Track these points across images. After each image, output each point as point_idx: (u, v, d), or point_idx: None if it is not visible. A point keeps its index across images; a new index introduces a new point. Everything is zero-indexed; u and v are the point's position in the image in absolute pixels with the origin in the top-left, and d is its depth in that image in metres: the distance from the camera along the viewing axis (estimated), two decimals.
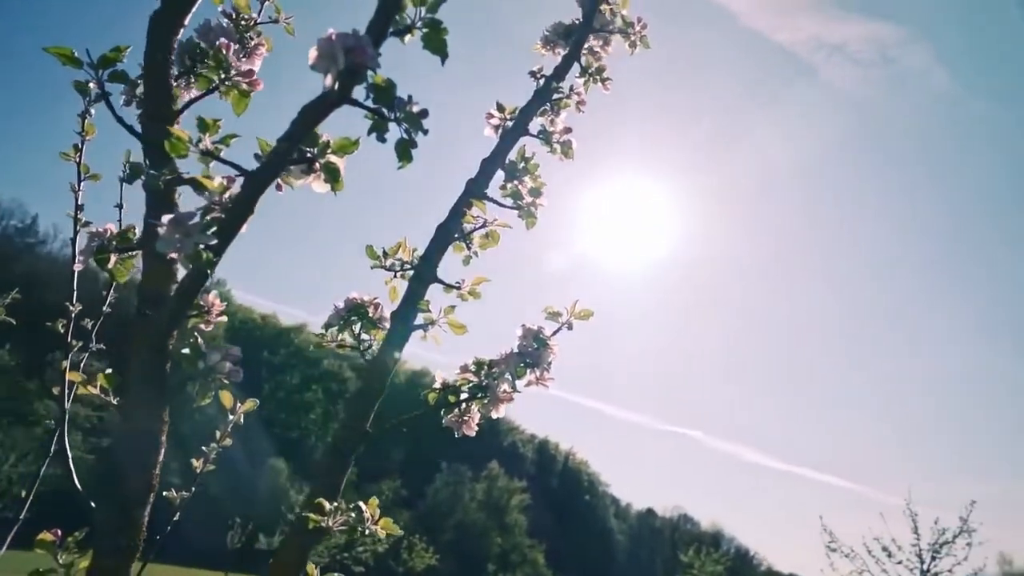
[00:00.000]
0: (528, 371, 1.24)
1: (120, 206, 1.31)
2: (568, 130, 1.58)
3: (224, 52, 0.97)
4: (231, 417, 1.16)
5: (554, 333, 1.30)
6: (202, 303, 0.92)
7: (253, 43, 1.20)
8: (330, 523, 0.90)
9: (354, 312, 1.35)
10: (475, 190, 1.40)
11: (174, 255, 0.81)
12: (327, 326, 1.36)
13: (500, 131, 1.66)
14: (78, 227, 1.04)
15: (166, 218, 0.80)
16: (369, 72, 0.74)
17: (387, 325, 1.32)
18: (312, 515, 0.90)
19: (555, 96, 1.67)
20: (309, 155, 0.85)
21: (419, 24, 0.82)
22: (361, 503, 0.96)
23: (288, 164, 0.82)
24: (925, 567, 8.71)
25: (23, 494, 1.18)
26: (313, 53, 0.71)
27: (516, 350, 1.25)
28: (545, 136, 1.60)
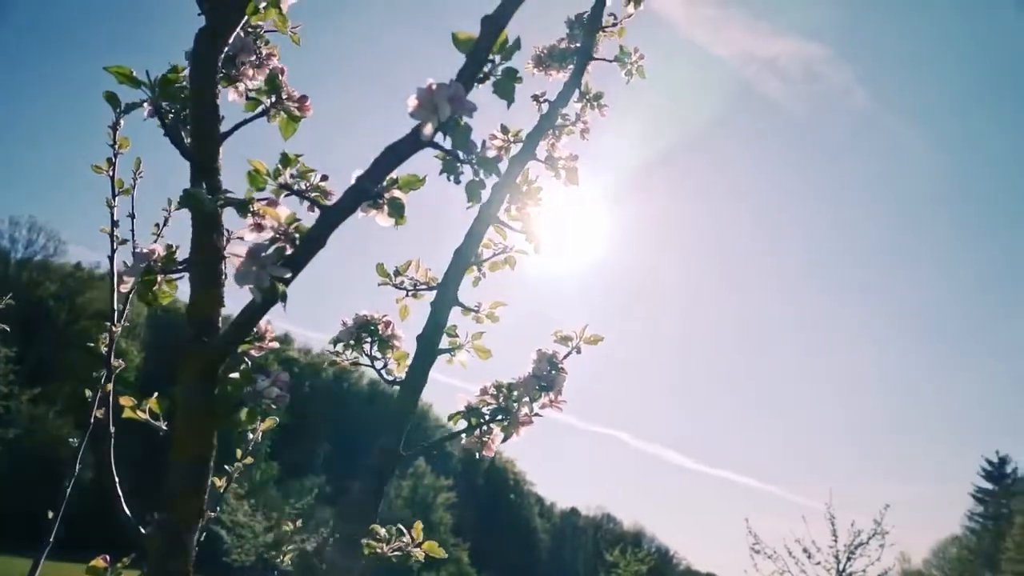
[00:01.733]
0: (543, 394, 1.28)
1: (132, 216, 1.28)
2: (574, 157, 1.62)
3: (280, 75, 0.97)
4: (250, 436, 1.16)
5: (565, 357, 1.35)
6: (255, 329, 0.93)
7: (264, 53, 1.20)
8: (385, 549, 0.92)
9: (364, 329, 1.36)
10: (488, 215, 1.43)
11: (247, 286, 0.81)
12: (336, 341, 1.37)
13: (504, 153, 1.69)
14: (115, 244, 1.02)
15: (240, 248, 0.81)
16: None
17: (397, 344, 1.34)
18: (370, 541, 0.91)
19: (558, 123, 1.72)
20: (376, 190, 0.87)
21: (497, 72, 0.85)
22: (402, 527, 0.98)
23: (363, 200, 0.83)
24: (841, 567, 9.20)
25: (49, 515, 1.14)
26: (413, 102, 0.73)
27: (531, 373, 1.29)
28: (551, 162, 1.64)
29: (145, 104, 1.02)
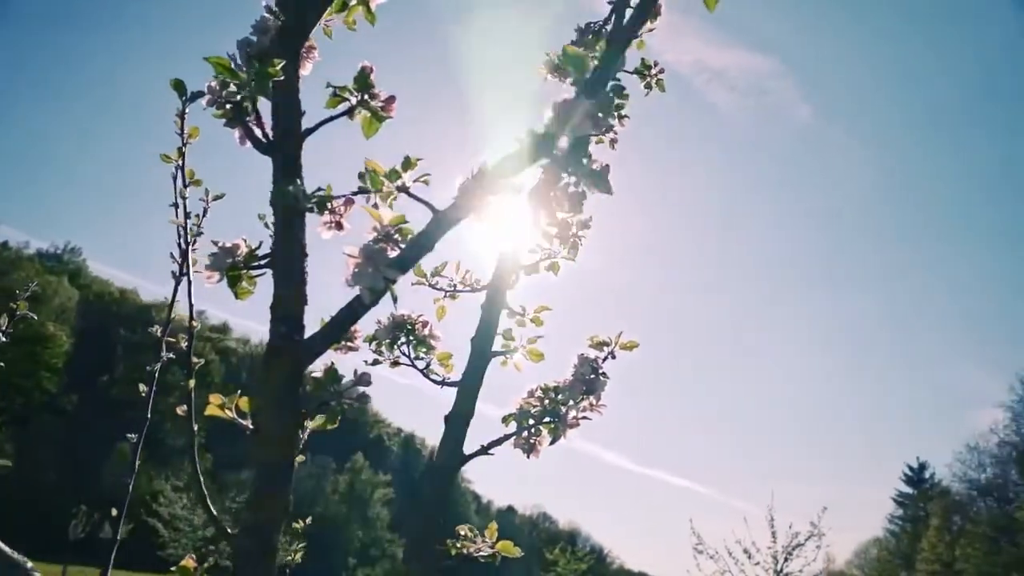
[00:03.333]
0: (585, 398, 1.30)
1: (176, 205, 1.25)
2: (607, 167, 1.65)
3: (370, 73, 0.96)
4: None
5: (603, 362, 1.37)
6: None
7: (306, 45, 1.19)
8: (471, 549, 0.93)
9: (400, 328, 1.36)
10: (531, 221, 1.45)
11: (356, 286, 0.81)
12: (372, 339, 1.36)
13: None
14: (190, 237, 0.99)
15: (352, 248, 0.81)
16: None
17: (435, 343, 1.34)
18: (451, 543, 0.92)
19: None
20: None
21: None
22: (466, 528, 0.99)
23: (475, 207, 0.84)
24: (779, 567, 9.53)
25: (113, 512, 1.10)
26: (550, 113, 0.74)
27: (575, 377, 1.31)
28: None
29: (206, 96, 1.01)
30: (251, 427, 0.89)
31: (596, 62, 0.87)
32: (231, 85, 1.07)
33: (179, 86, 1.08)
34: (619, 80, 0.82)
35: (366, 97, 0.98)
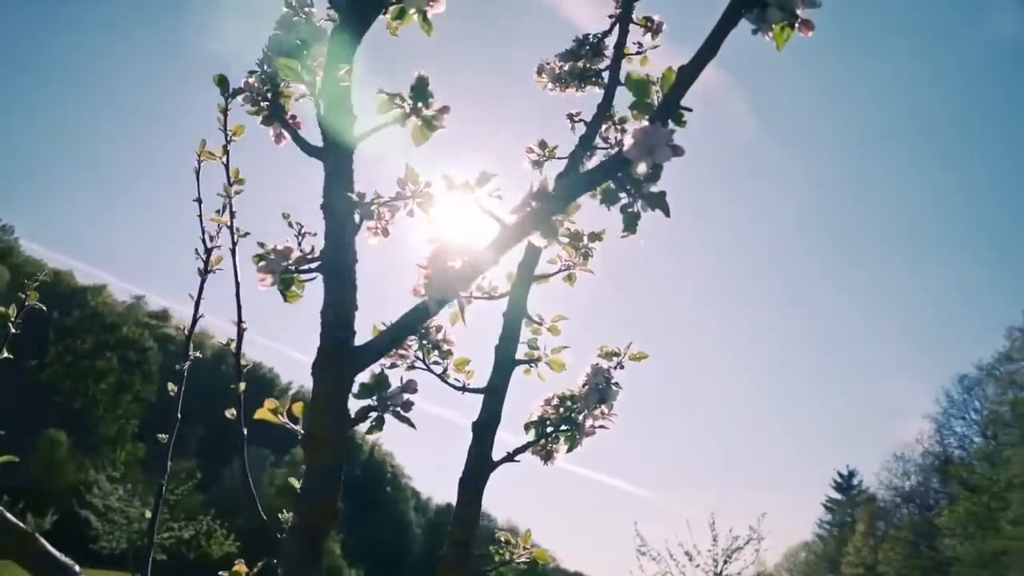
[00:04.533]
0: (598, 407, 1.33)
1: (200, 200, 1.24)
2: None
3: (428, 83, 0.97)
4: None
5: (612, 371, 1.41)
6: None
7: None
8: (512, 556, 0.94)
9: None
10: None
11: (428, 297, 0.82)
12: None
13: (538, 166, 1.74)
14: (236, 237, 0.98)
15: (427, 260, 0.82)
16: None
17: (450, 348, 1.35)
18: (495, 549, 0.94)
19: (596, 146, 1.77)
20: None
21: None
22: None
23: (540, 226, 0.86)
24: (718, 570, 9.80)
25: (147, 513, 1.07)
26: (630, 141, 0.77)
27: (589, 387, 1.34)
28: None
29: (245, 94, 1.01)
30: (302, 432, 0.89)
31: (658, 88, 0.90)
32: (277, 84, 1.07)
33: (223, 82, 1.07)
34: (684, 108, 0.84)
35: (420, 105, 0.99)
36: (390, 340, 0.88)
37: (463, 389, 1.27)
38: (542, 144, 1.75)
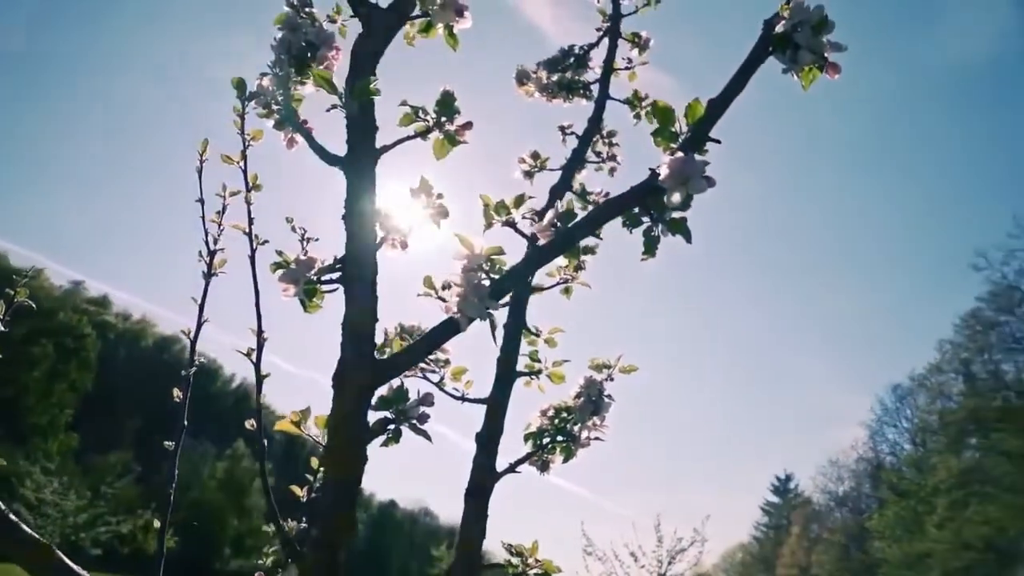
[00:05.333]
0: (592, 418, 1.36)
1: (202, 201, 1.22)
2: (607, 194, 1.71)
3: (455, 98, 0.98)
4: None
5: (603, 383, 1.43)
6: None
7: (333, 51, 1.19)
8: (524, 569, 0.96)
9: (410, 339, 1.37)
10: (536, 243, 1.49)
11: (456, 314, 0.83)
12: (382, 348, 1.37)
13: (530, 177, 1.76)
14: (255, 244, 0.96)
15: (460, 279, 0.82)
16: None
17: (443, 356, 1.36)
18: (508, 562, 0.95)
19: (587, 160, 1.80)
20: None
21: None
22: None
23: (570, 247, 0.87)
24: (662, 571, 10.00)
25: (155, 524, 1.04)
26: (666, 171, 0.79)
27: (583, 399, 1.36)
28: (583, 194, 1.72)
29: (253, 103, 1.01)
30: (324, 444, 0.89)
31: (685, 118, 0.92)
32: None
33: (240, 85, 1.06)
34: (713, 140, 0.87)
35: (443, 120, 1.00)
36: (415, 355, 0.89)
37: (462, 399, 1.28)
38: (535, 155, 1.77)
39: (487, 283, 0.85)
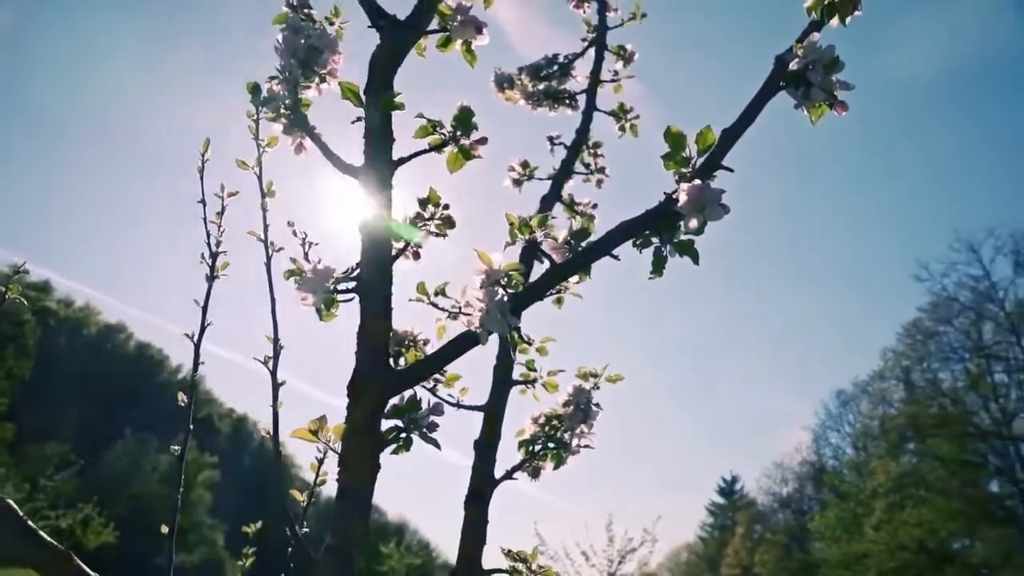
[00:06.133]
0: (580, 425, 1.39)
1: (204, 202, 1.21)
2: (595, 205, 1.75)
3: (472, 114, 1.00)
4: None
5: (590, 391, 1.47)
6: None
7: (336, 58, 1.21)
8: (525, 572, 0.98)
9: (400, 344, 1.39)
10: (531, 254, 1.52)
11: (477, 328, 0.85)
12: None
13: (518, 185, 1.79)
14: (271, 251, 0.96)
15: (480, 293, 0.85)
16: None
17: (408, 355, 1.38)
18: (513, 567, 0.97)
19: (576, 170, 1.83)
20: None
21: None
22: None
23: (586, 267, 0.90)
24: (612, 570, 10.15)
25: (163, 529, 1.02)
26: (684, 198, 0.82)
27: (573, 407, 1.39)
28: (570, 204, 1.75)
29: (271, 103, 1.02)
30: (339, 453, 0.90)
31: (696, 145, 0.96)
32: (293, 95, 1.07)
33: (255, 89, 1.06)
34: (726, 168, 0.91)
35: (459, 134, 1.02)
36: (430, 368, 0.91)
37: (457, 405, 1.30)
38: (524, 164, 1.79)
39: (506, 299, 0.87)
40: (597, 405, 1.43)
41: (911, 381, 19.30)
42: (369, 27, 1.06)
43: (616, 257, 0.88)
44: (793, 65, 0.85)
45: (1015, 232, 17.47)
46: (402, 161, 1.00)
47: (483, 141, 1.05)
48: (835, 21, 0.88)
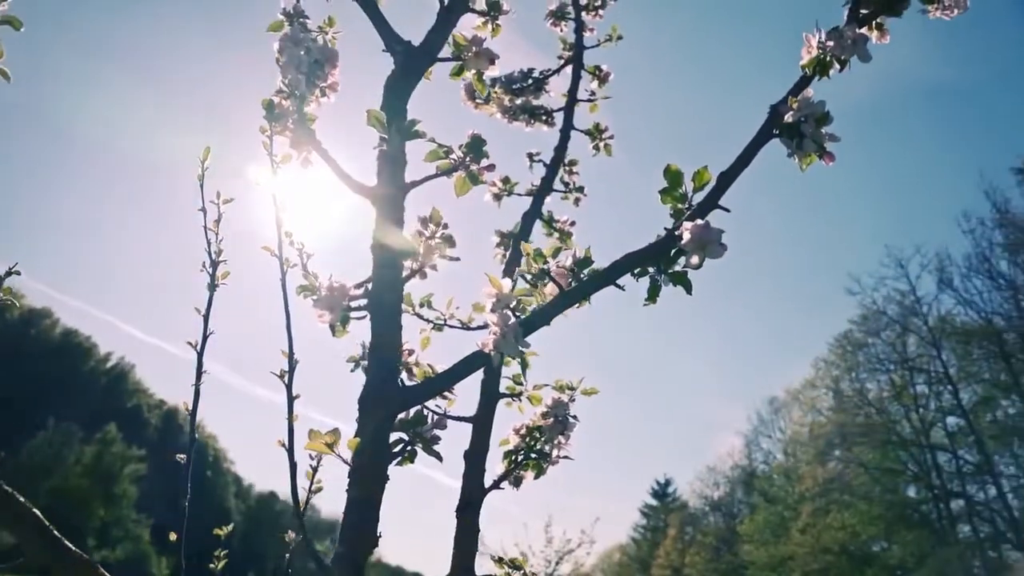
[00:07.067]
0: (558, 437, 1.45)
1: (204, 210, 1.22)
2: (572, 223, 1.81)
3: (484, 142, 1.04)
4: None
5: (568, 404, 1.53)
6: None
7: (330, 80, 1.25)
8: None
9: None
10: (513, 268, 1.57)
11: (492, 351, 0.90)
12: (358, 361, 1.42)
13: (498, 200, 1.84)
14: (285, 267, 0.98)
15: (494, 317, 0.90)
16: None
17: (417, 372, 1.42)
18: (512, 572, 1.02)
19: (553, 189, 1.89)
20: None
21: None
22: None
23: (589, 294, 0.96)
24: (550, 570, 10.30)
25: (172, 536, 1.02)
26: (688, 236, 0.89)
27: (552, 419, 1.45)
28: (548, 220, 1.81)
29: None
30: (350, 465, 0.94)
31: (692, 183, 1.03)
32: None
33: (270, 106, 1.09)
34: (723, 208, 0.98)
35: (468, 160, 1.06)
36: (441, 384, 0.95)
37: (444, 415, 1.34)
38: (505, 180, 1.84)
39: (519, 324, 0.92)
40: (574, 417, 1.49)
41: (840, 390, 20.11)
42: (384, 51, 1.10)
43: (621, 287, 0.94)
44: (788, 117, 0.93)
45: (940, 251, 18.41)
46: (414, 184, 1.04)
47: (491, 168, 1.09)
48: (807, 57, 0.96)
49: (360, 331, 1.11)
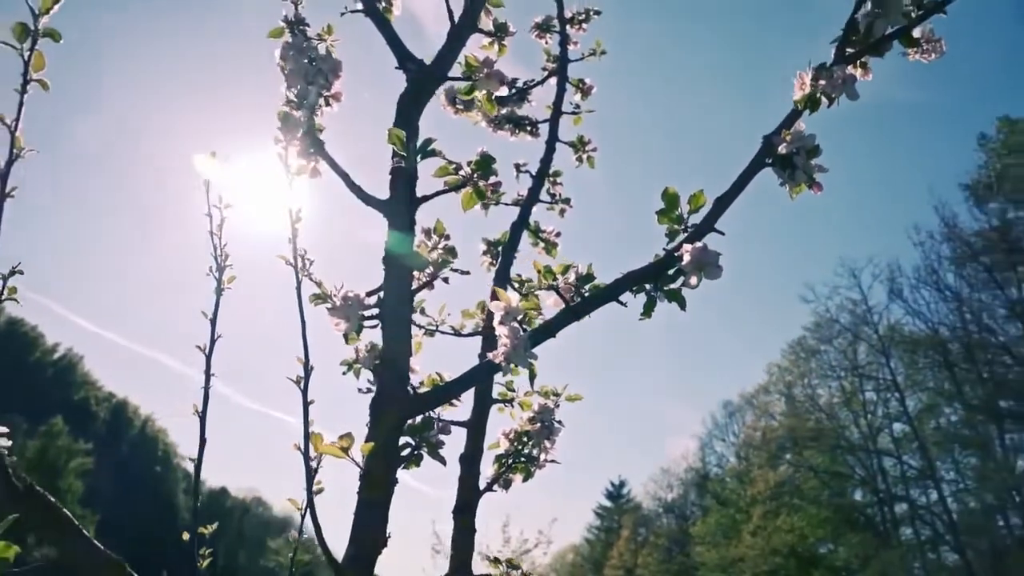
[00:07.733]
0: (545, 441, 1.50)
1: (210, 214, 1.25)
2: (558, 233, 1.86)
3: (493, 160, 1.09)
4: None
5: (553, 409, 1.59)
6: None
7: (333, 90, 1.29)
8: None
9: (379, 357, 1.46)
10: (502, 277, 1.62)
11: (501, 361, 0.95)
12: (352, 364, 1.45)
13: (486, 209, 1.89)
14: (300, 275, 1.01)
15: (505, 330, 0.94)
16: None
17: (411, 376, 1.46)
18: (511, 572, 1.07)
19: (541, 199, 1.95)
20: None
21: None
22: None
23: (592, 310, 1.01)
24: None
25: (185, 536, 1.03)
26: (688, 258, 0.95)
27: (539, 424, 1.50)
28: (535, 230, 1.87)
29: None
30: (361, 468, 0.97)
31: (688, 206, 1.09)
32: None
33: (285, 118, 1.12)
34: (718, 231, 1.04)
35: (476, 176, 1.11)
36: (452, 392, 1.00)
37: (437, 420, 1.38)
38: (495, 188, 1.88)
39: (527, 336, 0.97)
40: (559, 422, 1.55)
41: (792, 395, 20.62)
42: (396, 68, 1.14)
43: (623, 303, 0.99)
44: (781, 149, 1.00)
45: (892, 262, 19.00)
46: (425, 199, 1.08)
47: (498, 185, 1.14)
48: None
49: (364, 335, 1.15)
